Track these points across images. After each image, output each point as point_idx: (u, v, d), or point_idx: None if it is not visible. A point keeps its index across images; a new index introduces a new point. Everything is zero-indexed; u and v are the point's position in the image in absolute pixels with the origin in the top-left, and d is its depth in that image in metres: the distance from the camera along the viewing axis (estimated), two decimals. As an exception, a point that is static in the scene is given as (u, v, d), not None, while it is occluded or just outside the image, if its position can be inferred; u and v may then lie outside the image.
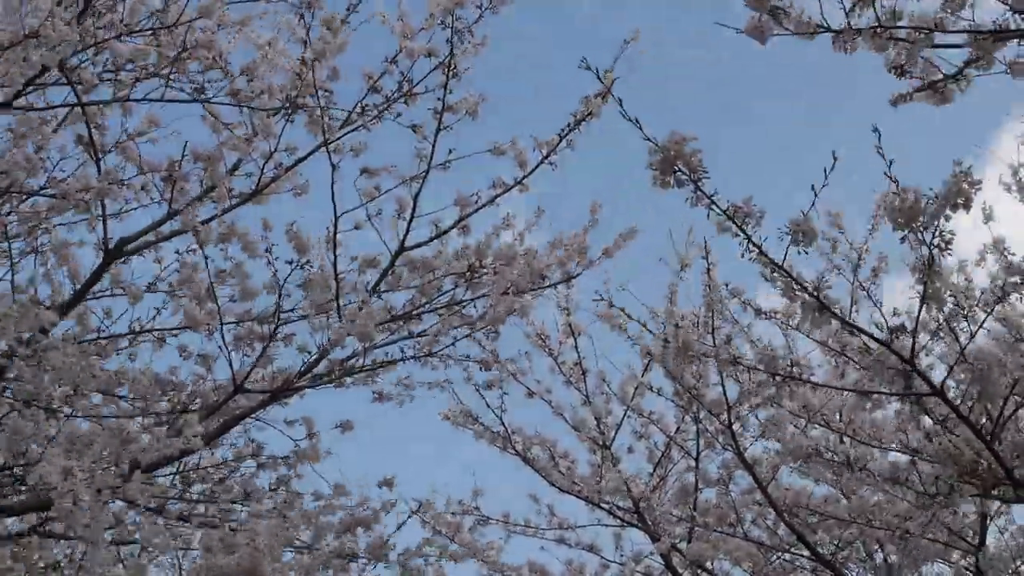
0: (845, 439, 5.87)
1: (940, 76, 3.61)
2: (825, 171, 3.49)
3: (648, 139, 3.38)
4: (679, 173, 3.39)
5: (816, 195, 3.56)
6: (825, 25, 3.54)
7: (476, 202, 6.33)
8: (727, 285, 5.46)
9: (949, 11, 3.47)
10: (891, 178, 3.39)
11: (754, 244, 3.59)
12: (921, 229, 3.49)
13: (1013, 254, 5.01)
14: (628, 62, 5.74)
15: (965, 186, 3.31)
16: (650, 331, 6.61)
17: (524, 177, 6.24)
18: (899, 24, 3.51)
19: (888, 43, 3.51)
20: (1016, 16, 3.44)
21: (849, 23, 3.51)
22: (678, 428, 8.39)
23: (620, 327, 6.66)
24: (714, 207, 3.47)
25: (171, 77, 5.61)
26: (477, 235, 6.49)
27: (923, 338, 4.56)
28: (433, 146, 6.07)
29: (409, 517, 7.14)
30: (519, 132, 6.24)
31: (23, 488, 5.81)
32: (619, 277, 7.48)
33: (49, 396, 4.73)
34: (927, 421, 5.00)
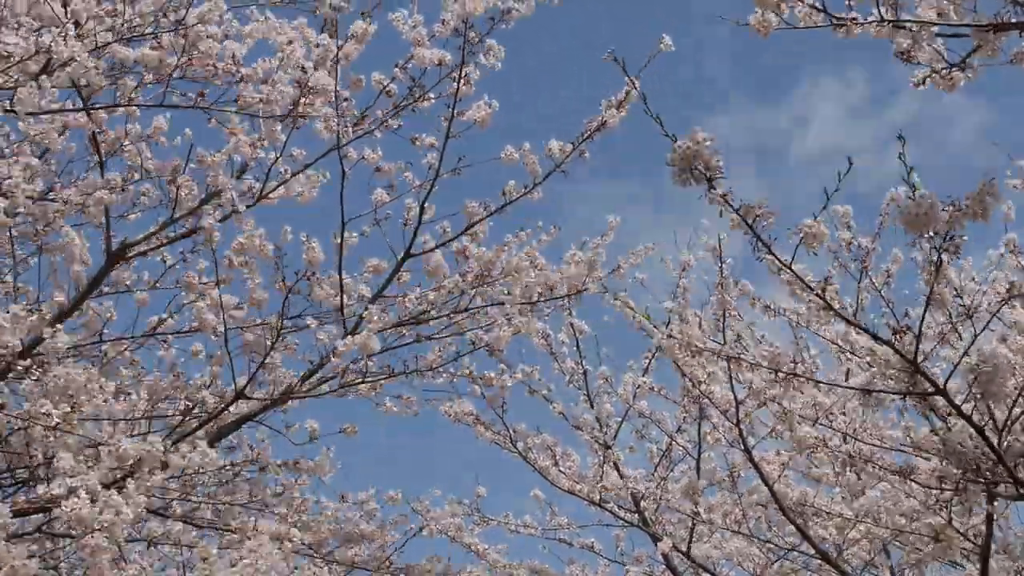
0: (848, 439, 5.90)
1: (945, 64, 3.64)
2: (839, 174, 3.53)
3: (668, 136, 3.41)
4: (697, 172, 3.42)
5: (828, 198, 3.60)
6: (828, 14, 3.57)
7: (484, 210, 6.34)
8: (736, 283, 5.49)
9: (952, 1, 3.50)
10: (909, 184, 3.41)
11: (763, 243, 3.62)
12: (933, 234, 3.51)
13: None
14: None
15: (989, 199, 3.33)
16: (654, 325, 6.62)
17: (534, 186, 6.23)
18: (901, 17, 3.54)
19: (893, 31, 3.54)
20: (1016, 7, 3.47)
21: (854, 16, 3.54)
22: (679, 428, 8.42)
23: (636, 314, 6.66)
24: (727, 207, 3.50)
25: (172, 82, 5.61)
26: (486, 244, 6.49)
27: (929, 338, 4.58)
28: (442, 153, 6.08)
29: (414, 535, 7.19)
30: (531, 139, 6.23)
31: (26, 488, 5.84)
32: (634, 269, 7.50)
33: (48, 414, 4.74)
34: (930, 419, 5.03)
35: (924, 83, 3.66)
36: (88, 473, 4.51)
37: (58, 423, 4.61)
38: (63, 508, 4.32)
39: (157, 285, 6.59)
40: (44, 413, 4.58)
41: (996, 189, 3.35)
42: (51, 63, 4.77)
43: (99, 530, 4.25)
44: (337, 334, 6.04)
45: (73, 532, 6.19)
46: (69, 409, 4.70)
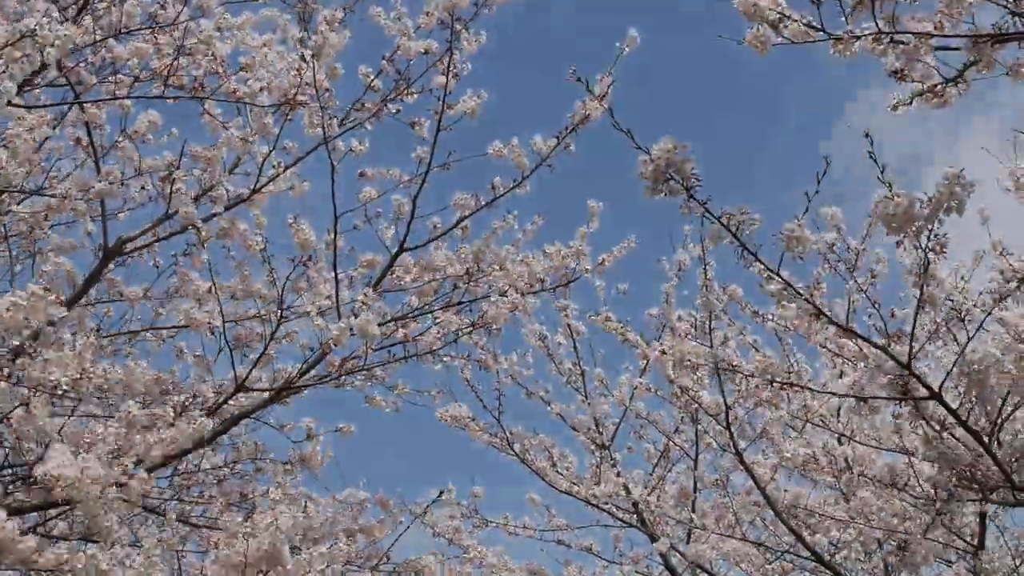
0: (843, 440, 5.87)
1: (939, 80, 3.60)
2: (818, 176, 3.48)
3: (640, 148, 3.36)
4: (672, 182, 3.36)
5: (810, 201, 3.55)
6: (824, 32, 3.53)
7: (475, 204, 6.33)
8: (724, 288, 5.48)
9: (949, 15, 3.45)
10: (884, 183, 3.37)
11: (749, 251, 3.57)
12: (915, 234, 3.47)
13: (1011, 253, 4.99)
14: (622, 70, 5.73)
15: (958, 190, 3.29)
16: (646, 341, 6.61)
17: (522, 180, 6.23)
18: (898, 29, 3.49)
19: (888, 47, 3.50)
20: (1015, 19, 3.42)
21: (850, 30, 3.50)
22: (676, 429, 8.39)
23: (617, 332, 6.66)
24: (708, 216, 3.45)
25: (168, 77, 5.59)
26: (476, 238, 6.49)
27: (920, 342, 4.54)
28: (432, 147, 6.08)
29: (408, 527, 7.16)
30: (517, 133, 6.23)
31: (25, 487, 5.82)
32: (617, 278, 7.49)
33: (56, 383, 4.71)
34: (925, 424, 4.99)
35: (911, 103, 3.61)
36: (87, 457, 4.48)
37: (66, 390, 4.58)
38: (45, 471, 4.23)
39: (150, 290, 6.58)
40: (53, 380, 4.55)
41: (965, 180, 3.30)
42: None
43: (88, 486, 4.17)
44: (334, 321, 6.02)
45: (69, 536, 6.21)
46: (78, 376, 4.67)
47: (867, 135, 3.35)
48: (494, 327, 6.69)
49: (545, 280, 6.59)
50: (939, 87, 3.59)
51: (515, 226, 6.66)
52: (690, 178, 3.36)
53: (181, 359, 6.74)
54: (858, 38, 3.49)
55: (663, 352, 4.62)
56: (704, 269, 5.15)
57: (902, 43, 3.48)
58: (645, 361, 7.99)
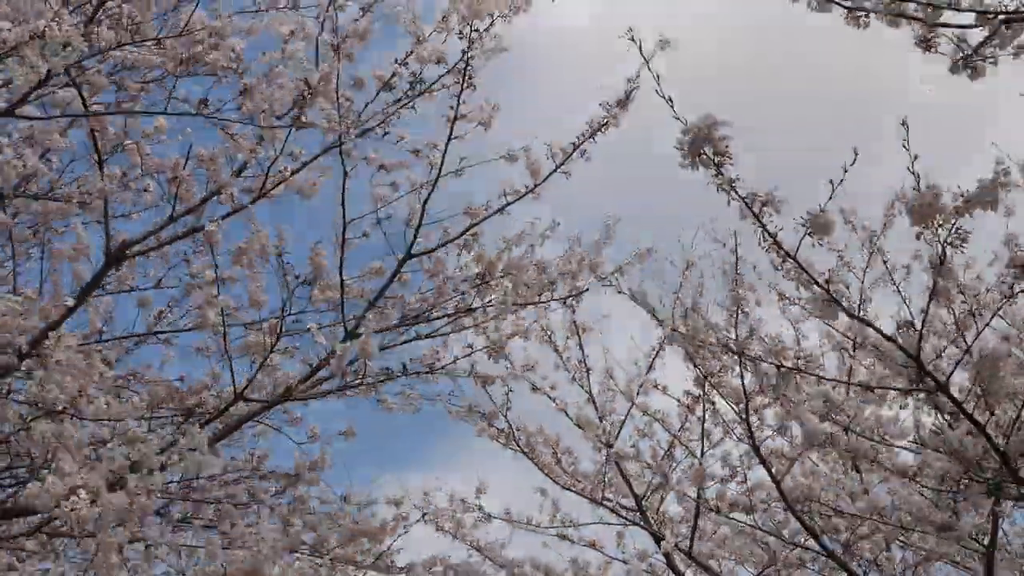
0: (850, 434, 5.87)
1: (969, 51, 3.57)
2: (844, 167, 3.49)
3: (679, 118, 3.36)
4: (705, 156, 3.37)
5: (834, 189, 3.56)
6: (839, 4, 3.52)
7: (486, 210, 6.27)
8: (754, 267, 5.42)
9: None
10: (914, 174, 3.38)
11: (769, 234, 3.58)
12: (938, 226, 3.48)
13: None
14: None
15: (1001, 188, 3.30)
16: (659, 320, 6.57)
17: (536, 186, 6.16)
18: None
19: (899, 19, 3.49)
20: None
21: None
22: (682, 426, 8.41)
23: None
24: (734, 193, 3.45)
25: (176, 84, 5.56)
26: (488, 243, 6.46)
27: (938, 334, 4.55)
28: (444, 153, 6.03)
29: (411, 525, 7.16)
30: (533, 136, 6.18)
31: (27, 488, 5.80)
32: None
33: (55, 399, 4.70)
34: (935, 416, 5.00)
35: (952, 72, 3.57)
36: (89, 473, 4.47)
37: (65, 407, 4.57)
38: (63, 507, 4.26)
39: (160, 284, 6.57)
40: (52, 398, 4.54)
41: (1009, 178, 3.31)
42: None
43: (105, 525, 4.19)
44: (337, 335, 6.01)
45: (74, 533, 6.19)
46: (77, 393, 4.66)
47: (904, 123, 3.36)
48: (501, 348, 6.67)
49: (555, 284, 6.56)
50: (970, 59, 3.57)
51: (527, 232, 6.60)
52: (723, 154, 3.36)
53: (201, 353, 6.73)
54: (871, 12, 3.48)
55: (673, 331, 4.63)
56: (736, 263, 5.14)
57: (915, 17, 3.47)
58: (652, 357, 8.02)
